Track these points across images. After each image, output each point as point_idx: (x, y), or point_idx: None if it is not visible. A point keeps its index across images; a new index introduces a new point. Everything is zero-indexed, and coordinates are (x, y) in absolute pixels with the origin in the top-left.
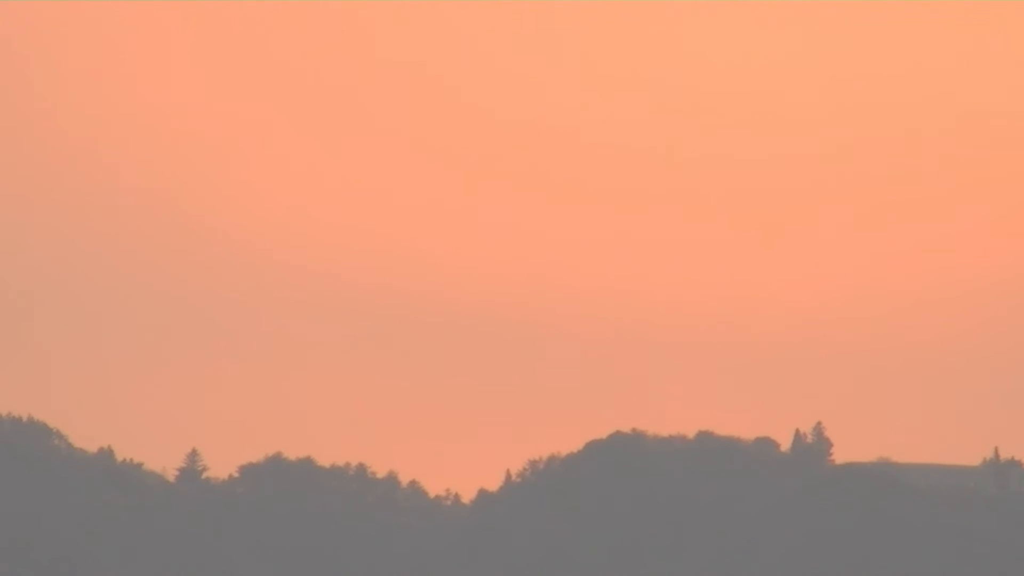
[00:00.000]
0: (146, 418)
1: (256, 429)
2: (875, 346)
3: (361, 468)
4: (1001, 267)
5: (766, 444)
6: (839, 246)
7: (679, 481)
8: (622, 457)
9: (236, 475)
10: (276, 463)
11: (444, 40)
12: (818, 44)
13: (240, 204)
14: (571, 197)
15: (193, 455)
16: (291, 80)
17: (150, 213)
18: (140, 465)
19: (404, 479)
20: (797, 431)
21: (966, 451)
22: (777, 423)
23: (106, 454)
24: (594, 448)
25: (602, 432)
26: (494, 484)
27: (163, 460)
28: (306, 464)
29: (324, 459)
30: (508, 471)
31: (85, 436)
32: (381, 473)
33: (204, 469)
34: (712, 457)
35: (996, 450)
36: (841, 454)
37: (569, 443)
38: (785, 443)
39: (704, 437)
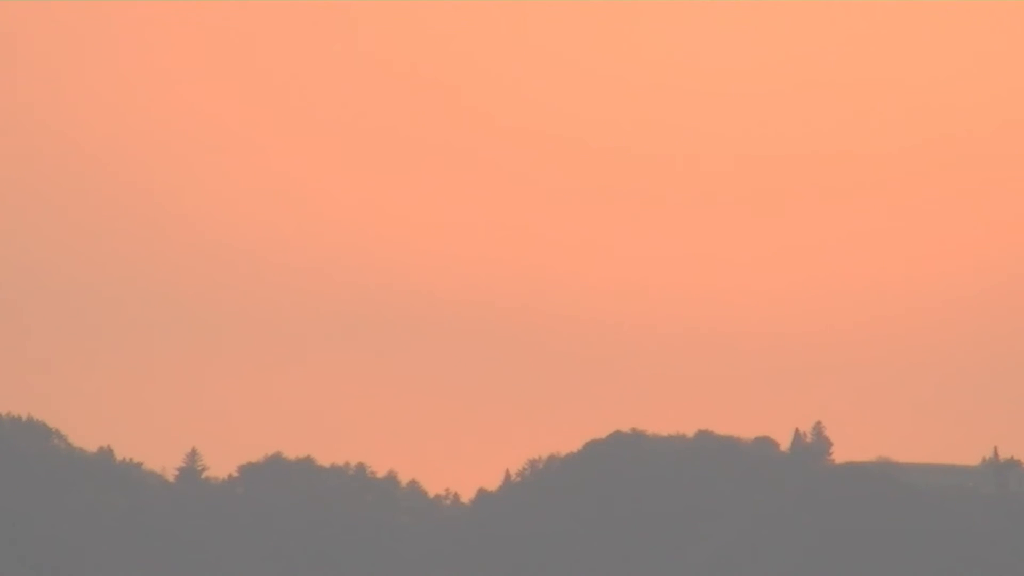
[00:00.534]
0: (146, 418)
1: (256, 429)
2: (875, 346)
3: (361, 468)
4: (1001, 267)
5: (766, 444)
6: (839, 247)
7: (679, 481)
8: (622, 457)
9: (236, 475)
10: (276, 463)
11: (443, 41)
12: (818, 44)
13: (240, 204)
14: (571, 197)
15: (193, 455)
16: (291, 80)
17: (150, 213)
18: (140, 465)
19: (403, 479)
20: (797, 431)
21: (965, 451)
22: (777, 423)
23: (106, 454)
24: (594, 448)
25: (602, 432)
26: (493, 484)
27: (163, 460)
28: (306, 464)
29: (324, 459)
30: (508, 471)
31: (85, 436)
32: (381, 473)
33: (204, 469)
34: (712, 457)
35: (995, 450)
36: (841, 454)
37: (569, 443)
38: (785, 443)
39: (704, 437)
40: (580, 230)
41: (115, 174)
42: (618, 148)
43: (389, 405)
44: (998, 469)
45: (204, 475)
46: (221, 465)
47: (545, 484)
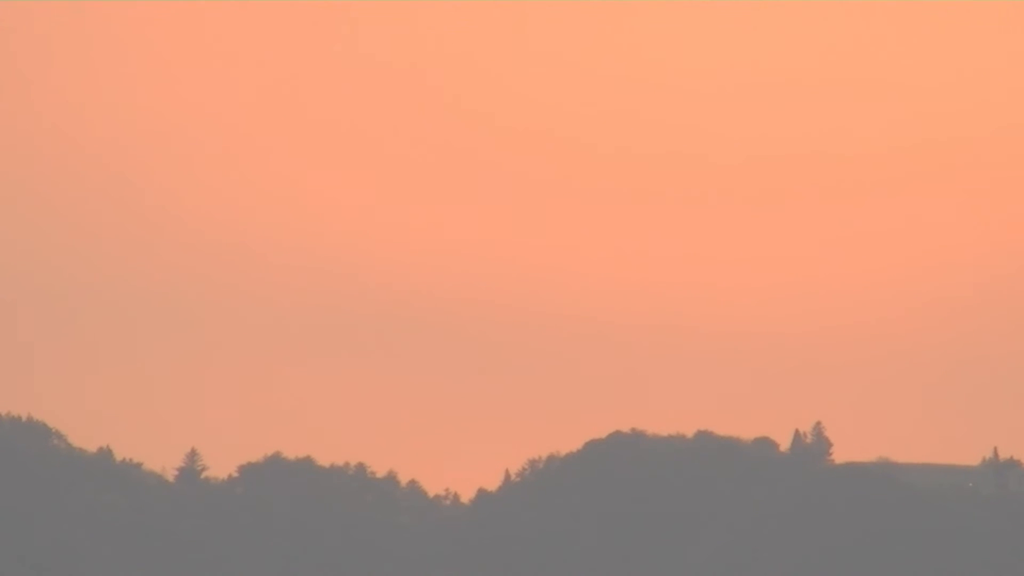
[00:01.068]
0: (145, 418)
1: (255, 429)
2: (874, 346)
3: (360, 468)
4: (1000, 267)
5: (765, 444)
6: (839, 247)
7: (678, 481)
8: (621, 457)
9: (235, 475)
10: (275, 463)
11: (443, 41)
12: (818, 45)
13: (239, 204)
14: (571, 198)
15: (192, 455)
16: (290, 80)
17: (150, 213)
18: (139, 465)
19: (403, 479)
20: (797, 431)
21: (965, 451)
22: (777, 423)
23: (105, 454)
24: (593, 448)
25: (601, 432)
26: (493, 484)
27: (162, 460)
28: (305, 464)
29: (323, 459)
30: (507, 471)
31: (84, 436)
32: (380, 472)
33: (203, 469)
34: (711, 457)
35: (995, 450)
36: (840, 454)
37: (568, 443)
38: (784, 443)
39: (703, 437)
40: (580, 230)
41: (115, 174)
42: (618, 148)
43: (388, 405)
44: (998, 469)
45: (204, 475)
46: (221, 465)
47: (545, 484)
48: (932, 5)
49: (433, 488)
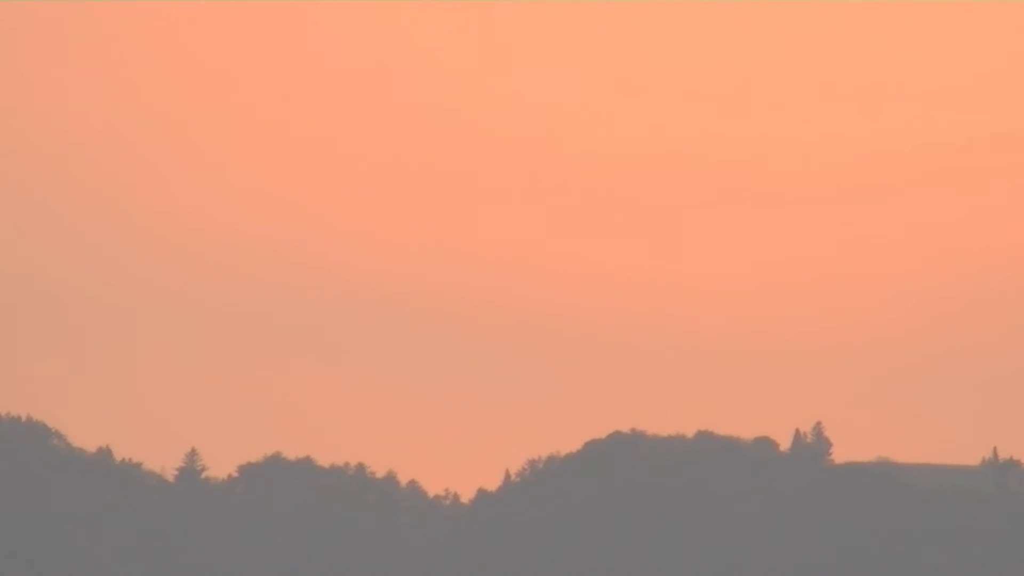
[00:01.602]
0: (145, 418)
1: (255, 429)
2: (875, 346)
3: (360, 468)
4: (1000, 268)
5: (765, 444)
6: (839, 247)
7: (678, 481)
8: (621, 457)
9: (235, 475)
10: (275, 463)
11: (442, 41)
12: (818, 46)
13: (240, 204)
14: (571, 197)
15: (192, 455)
16: (290, 80)
17: (149, 213)
18: (139, 465)
19: (403, 479)
20: (797, 431)
21: (965, 451)
22: (777, 423)
23: (105, 454)
24: (593, 448)
25: (601, 432)
26: (493, 484)
27: (162, 460)
28: (305, 464)
29: (323, 459)
30: (507, 471)
31: (84, 436)
32: (380, 473)
33: (203, 469)
34: (712, 457)
35: (995, 450)
36: (840, 454)
37: (568, 443)
38: (785, 443)
39: (703, 437)
40: (580, 230)
41: (114, 174)
42: (618, 149)
43: (388, 405)
44: (998, 469)
45: (203, 475)
46: (221, 465)
47: (545, 484)
48: (933, 6)
49: (433, 488)
